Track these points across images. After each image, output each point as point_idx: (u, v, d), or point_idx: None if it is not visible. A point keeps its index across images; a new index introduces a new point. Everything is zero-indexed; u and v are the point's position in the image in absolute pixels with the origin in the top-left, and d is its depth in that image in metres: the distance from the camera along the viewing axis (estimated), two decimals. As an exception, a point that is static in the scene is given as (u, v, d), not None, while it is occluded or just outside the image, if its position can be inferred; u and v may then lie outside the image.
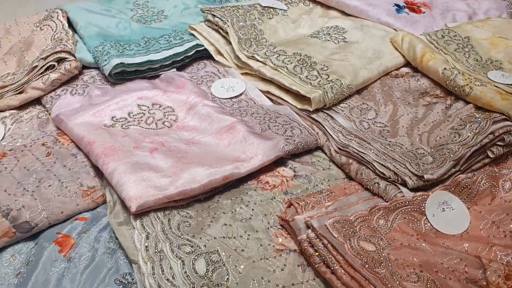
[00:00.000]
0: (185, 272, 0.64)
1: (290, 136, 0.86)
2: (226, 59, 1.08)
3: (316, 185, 0.81)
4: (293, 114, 0.93)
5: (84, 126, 0.85)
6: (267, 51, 1.03)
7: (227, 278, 0.65)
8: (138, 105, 0.93)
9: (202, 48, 1.10)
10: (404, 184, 0.76)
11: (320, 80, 0.95)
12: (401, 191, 0.75)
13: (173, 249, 0.67)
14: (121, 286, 0.67)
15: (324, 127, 0.89)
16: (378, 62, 1.04)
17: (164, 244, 0.68)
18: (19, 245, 0.72)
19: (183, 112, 0.93)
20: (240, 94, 1.00)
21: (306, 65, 0.99)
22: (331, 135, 0.87)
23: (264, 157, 0.81)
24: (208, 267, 0.65)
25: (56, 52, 1.01)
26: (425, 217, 0.73)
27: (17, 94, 0.98)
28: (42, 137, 0.88)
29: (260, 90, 1.01)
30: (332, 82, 0.94)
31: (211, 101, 0.95)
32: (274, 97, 0.99)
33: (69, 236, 0.73)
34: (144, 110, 0.92)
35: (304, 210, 0.72)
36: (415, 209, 0.73)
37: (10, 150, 0.84)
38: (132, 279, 0.68)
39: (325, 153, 0.88)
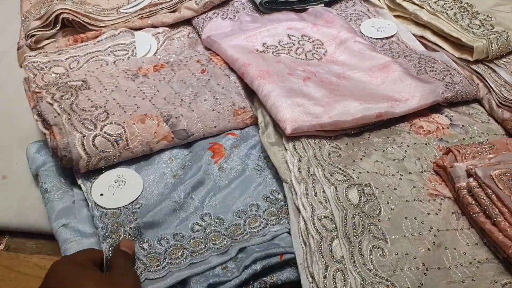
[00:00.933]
0: (338, 198, 0.64)
1: (449, 82, 0.81)
2: (378, 0, 1.04)
3: (474, 137, 0.76)
4: (450, 62, 0.87)
5: (238, 49, 0.86)
6: (425, -6, 0.97)
7: (379, 212, 0.64)
8: (288, 35, 0.92)
9: (354, -14, 1.06)
10: None
11: (483, 30, 0.88)
12: None
13: (325, 174, 0.67)
14: (267, 202, 0.69)
15: (485, 79, 0.83)
16: (551, 19, 0.94)
17: (316, 169, 0.67)
18: (175, 150, 0.75)
19: (333, 47, 0.91)
20: (391, 36, 0.96)
21: (468, 14, 0.93)
22: (492, 89, 0.81)
23: (421, 100, 0.77)
24: (360, 198, 0.64)
25: (210, -25, 1.02)
26: None
27: (171, 12, 1.01)
28: (195, 55, 0.91)
29: (413, 35, 0.96)
30: (498, 33, 0.87)
31: (362, 38, 0.92)
32: (429, 43, 0.94)
33: (221, 145, 0.75)
34: (294, 40, 0.91)
35: (464, 158, 0.68)
36: None
37: (167, 63, 0.87)
38: (279, 196, 0.69)
39: (483, 107, 0.83)
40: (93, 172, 0.71)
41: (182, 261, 0.61)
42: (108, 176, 0.70)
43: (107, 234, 0.63)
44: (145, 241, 0.63)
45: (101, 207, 0.67)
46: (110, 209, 0.67)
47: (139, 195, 0.68)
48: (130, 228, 0.63)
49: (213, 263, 0.61)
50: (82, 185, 0.70)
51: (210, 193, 0.69)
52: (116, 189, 0.69)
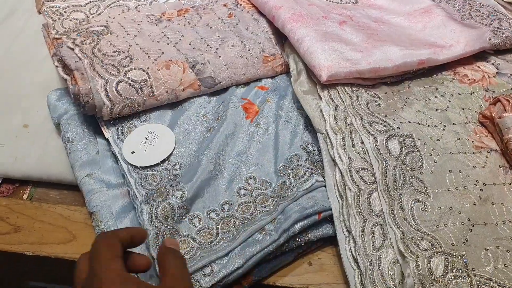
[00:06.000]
0: (378, 149, 0.60)
1: (497, 28, 0.75)
2: None
3: (523, 86, 0.71)
4: (498, 6, 0.81)
5: (267, -9, 0.80)
6: None
7: (421, 165, 0.60)
8: (320, -24, 0.86)
9: None
10: None
11: (535, -29, 0.81)
12: None
13: (364, 124, 0.62)
14: (305, 152, 0.65)
15: (536, 25, 0.77)
16: None
17: (354, 119, 0.63)
18: (205, 99, 0.71)
19: (369, -10, 0.84)
20: (432, -21, 0.89)
21: (517, -47, 0.85)
22: (544, 34, 0.75)
23: (467, 47, 0.71)
24: (402, 150, 0.60)
25: None
26: None
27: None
28: (221, -2, 0.85)
29: (456, -23, 0.89)
30: (551, -26, 0.80)
31: (401, -20, 0.85)
32: (474, -15, 0.86)
33: (253, 104, 0.71)
34: (327, -18, 0.85)
35: (514, 108, 0.63)
36: None
37: (192, 7, 0.82)
38: (314, 150, 0.66)
39: (533, 54, 0.77)
40: (118, 121, 0.68)
41: (234, 232, 0.57)
42: (139, 133, 0.67)
43: (150, 198, 0.59)
44: (194, 216, 0.59)
45: (135, 166, 0.63)
46: (147, 169, 0.63)
47: (173, 152, 0.65)
48: (178, 207, 0.58)
49: (263, 222, 0.58)
50: (110, 139, 0.66)
51: (249, 154, 0.65)
52: (147, 145, 0.65)
